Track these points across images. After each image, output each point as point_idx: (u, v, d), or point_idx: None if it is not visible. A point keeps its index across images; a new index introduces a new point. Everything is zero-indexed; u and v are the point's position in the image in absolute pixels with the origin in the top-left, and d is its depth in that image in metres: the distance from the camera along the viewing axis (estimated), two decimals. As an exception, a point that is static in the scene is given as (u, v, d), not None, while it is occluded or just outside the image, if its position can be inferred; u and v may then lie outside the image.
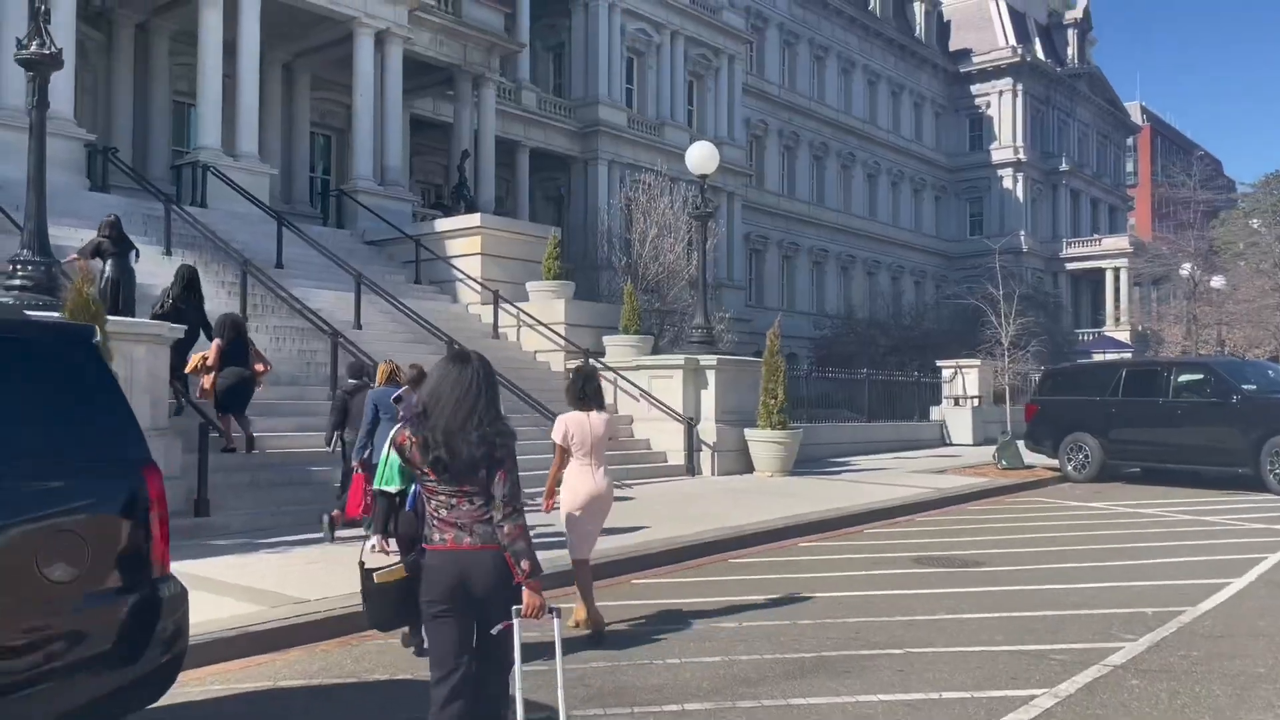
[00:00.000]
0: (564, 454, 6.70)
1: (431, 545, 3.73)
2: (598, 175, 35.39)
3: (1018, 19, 63.01)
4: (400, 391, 8.16)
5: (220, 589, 7.87)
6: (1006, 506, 14.71)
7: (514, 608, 3.68)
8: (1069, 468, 17.92)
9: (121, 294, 11.81)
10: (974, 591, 8.42)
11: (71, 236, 15.26)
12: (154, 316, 12.05)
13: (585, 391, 6.83)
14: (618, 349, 18.73)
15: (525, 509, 3.78)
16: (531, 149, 34.02)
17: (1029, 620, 7.38)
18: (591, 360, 18.18)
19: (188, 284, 12.33)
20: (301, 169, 26.30)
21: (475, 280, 20.09)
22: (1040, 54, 62.54)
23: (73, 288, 9.02)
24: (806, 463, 18.60)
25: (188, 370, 11.65)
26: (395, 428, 6.19)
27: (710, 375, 17.44)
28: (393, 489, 7.73)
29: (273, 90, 25.82)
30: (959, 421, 25.79)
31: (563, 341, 18.79)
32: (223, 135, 21.31)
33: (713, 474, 17.11)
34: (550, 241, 20.01)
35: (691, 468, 17.08)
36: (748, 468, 17.41)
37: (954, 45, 62.59)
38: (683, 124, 39.07)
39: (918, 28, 60.23)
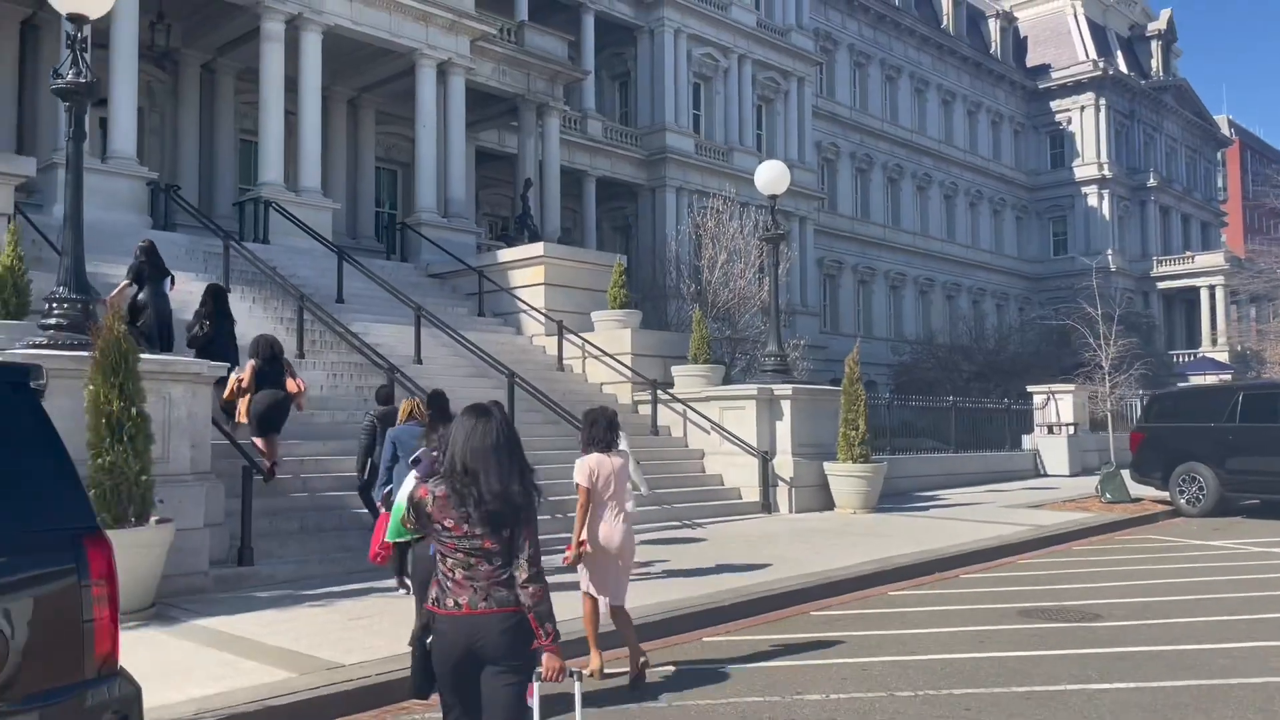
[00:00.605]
0: (589, 495, 6.60)
1: (444, 610, 3.64)
2: (665, 203, 34.72)
3: (1098, 32, 60.99)
4: (420, 452, 7.44)
5: (249, 650, 7.15)
6: (1117, 546, 13.40)
7: (535, 670, 3.61)
8: (1181, 501, 16.44)
9: (156, 319, 11.53)
10: (1098, 653, 7.30)
11: (132, 275, 15.01)
12: (190, 339, 11.89)
13: (609, 438, 6.74)
14: (687, 379, 17.85)
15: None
16: (598, 178, 33.54)
17: (1172, 692, 6.26)
18: (660, 392, 17.35)
19: (219, 302, 12.05)
20: (367, 204, 26.11)
21: (539, 311, 19.44)
22: (1123, 67, 60.37)
23: (103, 324, 8.49)
24: (890, 497, 17.44)
25: (225, 396, 11.17)
26: (410, 476, 5.82)
27: (785, 405, 16.45)
28: (404, 540, 6.72)
29: (338, 126, 25.72)
30: (1054, 451, 24.25)
31: (629, 373, 17.98)
32: (286, 171, 21.13)
33: (790, 511, 16.07)
34: (615, 269, 19.30)
35: (767, 504, 16.07)
36: (828, 504, 16.33)
37: (1031, 61, 60.79)
38: (752, 148, 38.22)
39: (993, 45, 58.64)
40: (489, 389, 16.25)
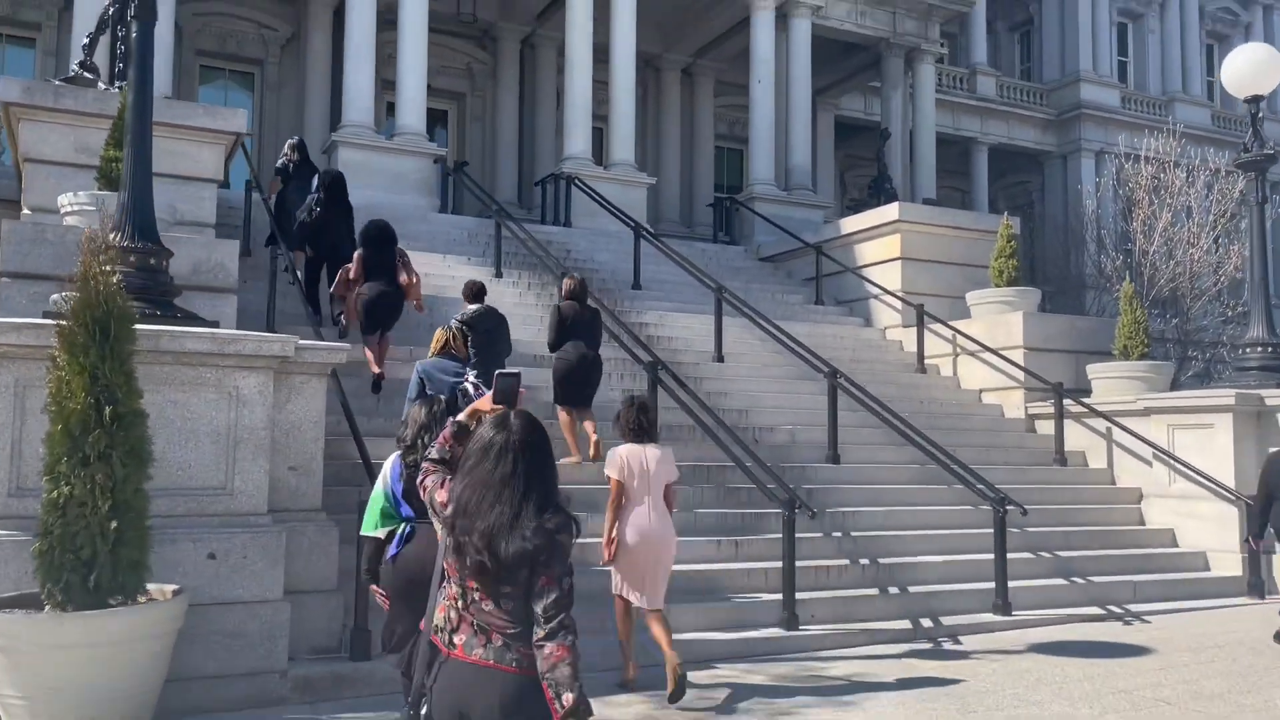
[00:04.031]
0: (621, 490, 6.13)
1: (443, 646, 2.91)
2: (1080, 171, 27.79)
3: None
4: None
5: None
6: None
7: None
8: None
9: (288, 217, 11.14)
10: None
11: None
12: (298, 227, 10.89)
13: (641, 423, 6.29)
14: (1111, 382, 12.12)
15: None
16: (990, 146, 27.59)
17: None
18: (1067, 401, 11.85)
19: (330, 188, 10.73)
20: (704, 187, 22.57)
21: (893, 294, 14.55)
22: None
23: (79, 273, 5.30)
24: None
25: (333, 290, 9.92)
26: (392, 458, 5.05)
27: (1286, 424, 10.26)
28: (380, 534, 4.98)
29: (670, 100, 22.57)
30: None
31: (1021, 374, 12.56)
32: (596, 145, 18.19)
33: (1299, 596, 9.88)
34: (1001, 232, 13.88)
35: (1256, 582, 10.02)
36: (1370, 588, 9.87)
37: None
38: (1200, 97, 30.03)
39: None
40: (814, 395, 11.83)
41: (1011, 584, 8.80)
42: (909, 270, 14.77)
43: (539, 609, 2.75)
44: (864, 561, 8.93)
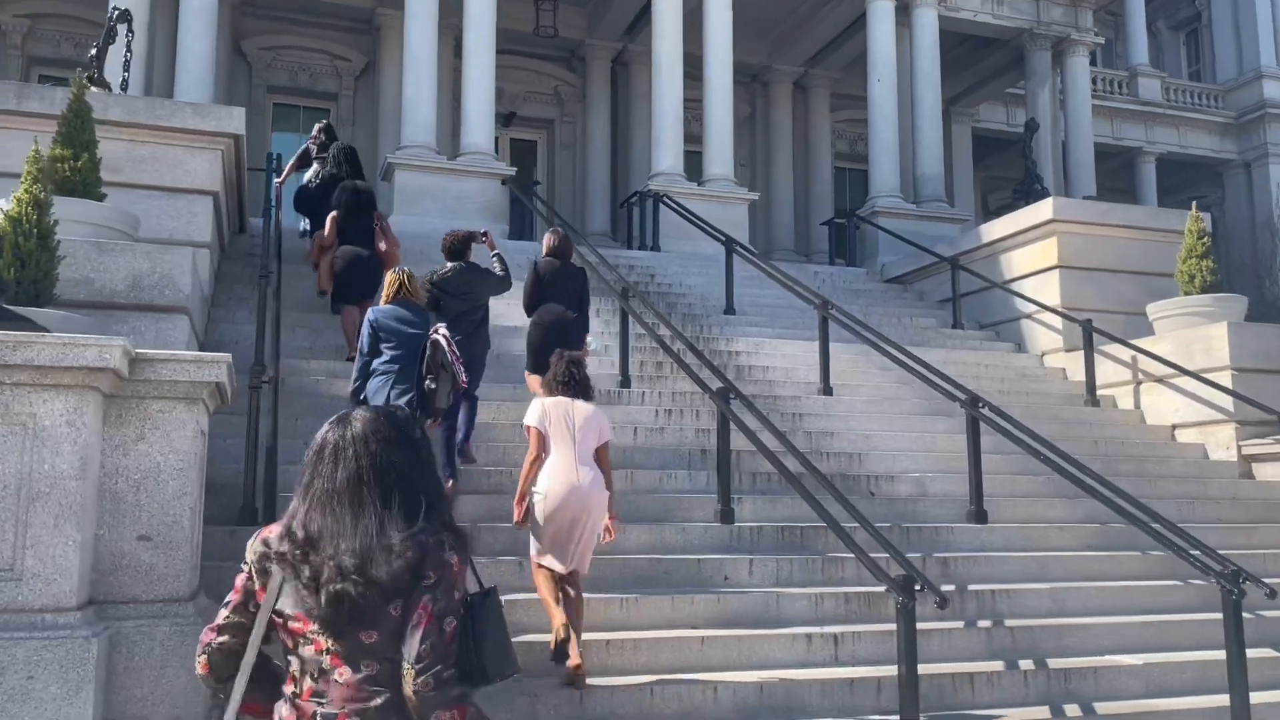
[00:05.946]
0: (541, 442, 5.48)
1: None
2: (1268, 180, 24.00)
3: None
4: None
5: None
6: None
7: None
8: None
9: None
10: None
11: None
12: (298, 192, 10.65)
13: (570, 375, 5.63)
14: (1363, 413, 8.99)
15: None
16: (1158, 157, 24.14)
17: None
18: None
19: (343, 159, 9.91)
20: (822, 208, 20.05)
21: (1052, 309, 11.70)
22: None
23: None
24: None
25: (309, 258, 9.40)
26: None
27: None
28: None
29: (780, 115, 20.31)
30: None
31: (1229, 403, 9.53)
32: (697, 166, 16.09)
33: None
34: (1190, 229, 10.88)
35: None
36: None
37: None
38: None
39: None
40: (949, 435, 9.19)
41: (1254, 697, 5.93)
42: (1069, 281, 11.89)
43: (409, 655, 2.03)
44: (1026, 665, 6.22)
